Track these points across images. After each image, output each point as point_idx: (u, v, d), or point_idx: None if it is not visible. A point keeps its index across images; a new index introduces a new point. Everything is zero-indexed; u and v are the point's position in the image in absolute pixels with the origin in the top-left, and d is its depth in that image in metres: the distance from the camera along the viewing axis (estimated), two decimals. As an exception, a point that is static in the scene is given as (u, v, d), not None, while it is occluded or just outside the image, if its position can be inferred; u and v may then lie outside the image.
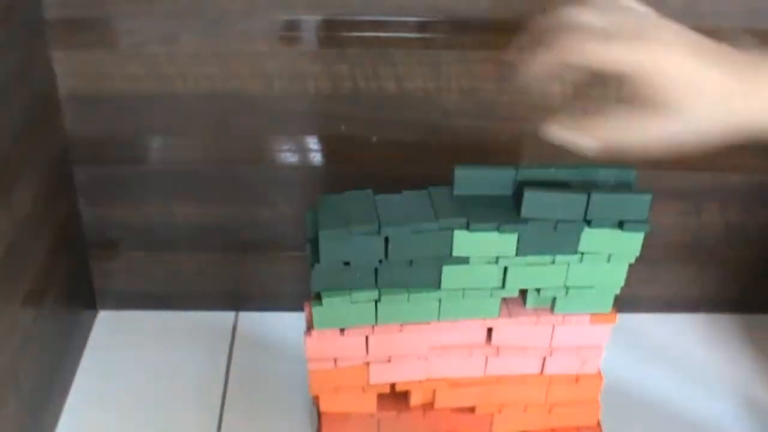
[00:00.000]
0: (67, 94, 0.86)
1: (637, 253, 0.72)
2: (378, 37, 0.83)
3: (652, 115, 0.54)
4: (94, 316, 1.02)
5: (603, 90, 0.57)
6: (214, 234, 0.97)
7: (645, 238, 0.71)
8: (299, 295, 0.79)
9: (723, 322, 1.05)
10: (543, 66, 0.56)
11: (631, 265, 0.73)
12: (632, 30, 0.54)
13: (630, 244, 0.71)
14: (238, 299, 1.03)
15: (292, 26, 0.83)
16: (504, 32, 0.81)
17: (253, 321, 1.02)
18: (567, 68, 0.56)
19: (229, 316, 1.03)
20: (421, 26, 0.83)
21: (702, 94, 0.53)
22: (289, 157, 0.92)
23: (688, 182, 0.95)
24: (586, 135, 0.56)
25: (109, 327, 1.01)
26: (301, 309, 0.76)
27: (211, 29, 0.83)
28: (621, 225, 0.70)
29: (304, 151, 0.91)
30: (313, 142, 0.90)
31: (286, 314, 1.00)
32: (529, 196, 0.67)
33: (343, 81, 0.86)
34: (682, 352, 1.00)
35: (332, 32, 0.83)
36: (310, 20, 0.83)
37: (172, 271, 1.00)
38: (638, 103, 0.54)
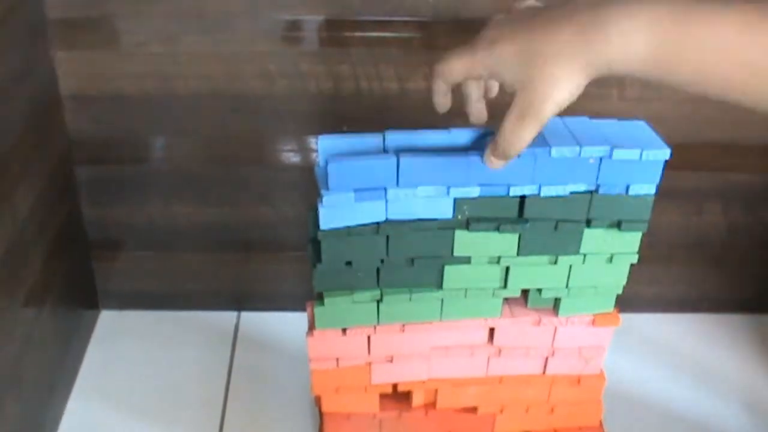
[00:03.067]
0: (69, 94, 0.86)
1: (637, 253, 0.72)
2: (380, 37, 0.83)
3: (533, 101, 0.56)
4: (97, 316, 1.02)
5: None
6: (216, 234, 0.97)
7: (647, 239, 0.71)
8: (301, 295, 0.79)
9: (726, 321, 1.05)
10: (437, 91, 0.63)
11: (633, 265, 0.73)
12: (474, 43, 0.59)
13: (628, 243, 0.71)
14: (240, 299, 1.03)
15: (294, 26, 0.83)
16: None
17: (255, 321, 1.02)
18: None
19: (231, 316, 1.03)
20: (423, 26, 0.83)
21: (556, 59, 0.54)
22: (291, 157, 0.92)
23: (690, 182, 0.95)
24: (491, 158, 0.62)
25: (112, 327, 1.01)
26: (303, 309, 0.76)
27: (213, 29, 0.83)
28: (619, 225, 0.69)
29: (306, 151, 0.91)
30: (314, 142, 0.90)
31: (288, 314, 1.01)
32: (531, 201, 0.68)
33: (345, 81, 0.86)
34: (684, 353, 1.00)
35: (334, 32, 0.83)
36: (311, 20, 0.83)
37: (174, 271, 1.01)
38: (518, 99, 0.57)
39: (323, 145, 0.65)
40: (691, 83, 0.51)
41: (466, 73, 0.60)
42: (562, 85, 0.55)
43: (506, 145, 0.59)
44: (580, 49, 0.53)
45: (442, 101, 0.64)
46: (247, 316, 1.03)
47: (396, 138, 0.66)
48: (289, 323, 0.99)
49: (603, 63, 0.53)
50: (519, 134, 0.58)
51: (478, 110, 0.66)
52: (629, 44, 0.51)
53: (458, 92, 0.86)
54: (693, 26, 0.50)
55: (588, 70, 0.54)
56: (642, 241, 0.71)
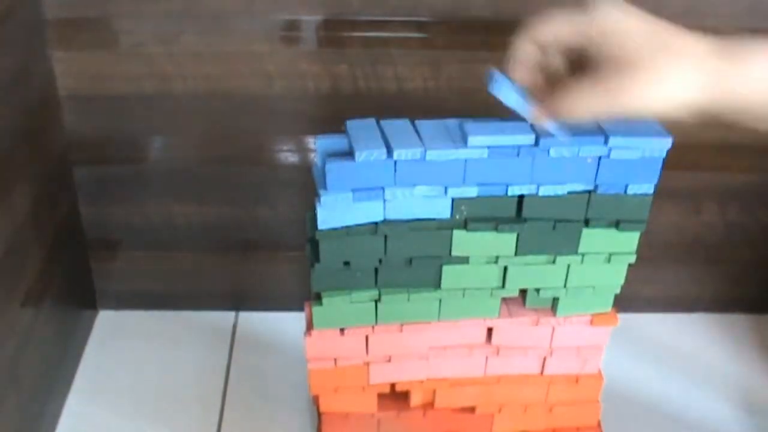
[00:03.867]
0: (67, 94, 0.86)
1: (635, 253, 0.72)
2: (378, 37, 0.83)
3: (627, 78, 0.52)
4: (95, 316, 1.02)
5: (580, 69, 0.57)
6: (214, 234, 0.97)
7: (644, 238, 0.71)
8: (299, 295, 0.79)
9: (723, 321, 1.05)
10: (517, 51, 0.58)
11: (631, 265, 0.73)
12: (590, 4, 0.55)
13: (626, 243, 0.71)
14: (238, 299, 1.03)
15: (292, 26, 0.83)
16: (503, 32, 0.82)
17: (254, 321, 1.02)
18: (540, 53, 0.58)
19: (229, 315, 1.03)
20: (421, 26, 0.83)
21: (679, 54, 0.52)
22: (289, 157, 0.92)
23: (688, 182, 0.95)
24: (551, 117, 0.58)
25: (110, 327, 1.01)
26: (301, 309, 0.76)
27: (211, 29, 0.83)
28: (617, 224, 0.69)
29: (304, 150, 0.91)
30: (313, 142, 0.90)
31: (286, 314, 1.00)
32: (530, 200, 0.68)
33: (343, 81, 0.86)
34: (682, 352, 1.00)
35: (332, 32, 0.83)
36: (310, 20, 0.83)
37: (172, 271, 1.01)
38: (609, 71, 0.53)
39: (321, 145, 0.65)
40: None
41: (569, 29, 0.55)
42: (669, 85, 0.52)
43: (568, 103, 0.55)
44: (707, 58, 0.52)
45: (520, 70, 0.58)
46: (245, 316, 1.03)
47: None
48: (287, 323, 0.99)
49: (728, 88, 0.51)
50: (585, 103, 0.54)
51: (520, 71, 0.59)
52: (759, 70, 0.51)
53: (455, 91, 0.86)
54: None
55: (708, 84, 0.52)
56: (640, 240, 0.71)
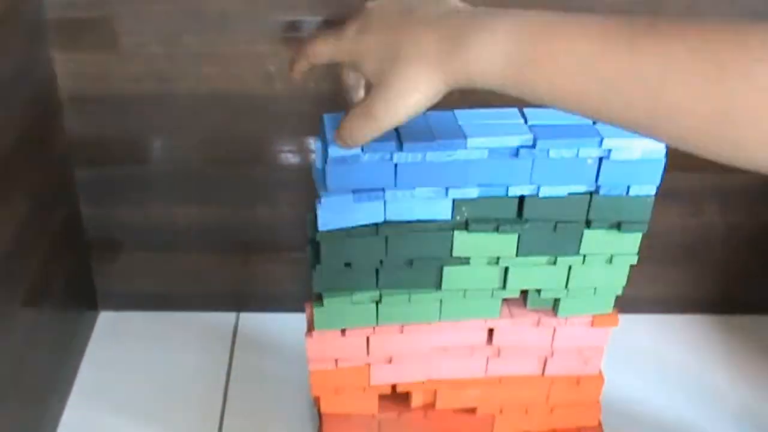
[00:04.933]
0: (68, 95, 0.86)
1: (636, 254, 0.72)
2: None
3: (386, 97, 0.55)
4: (96, 317, 1.02)
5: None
6: (215, 235, 0.97)
7: (645, 240, 0.71)
8: (300, 296, 0.79)
9: (725, 323, 1.05)
10: (298, 68, 0.63)
11: (632, 267, 0.73)
12: (341, 30, 0.58)
13: (628, 244, 0.71)
14: (239, 300, 1.03)
15: (294, 27, 0.83)
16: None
17: (255, 322, 1.02)
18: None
19: (230, 316, 1.03)
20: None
21: (411, 61, 0.54)
22: (291, 158, 0.92)
23: (689, 183, 0.95)
24: (337, 138, 0.61)
25: (111, 327, 1.01)
26: (302, 310, 0.76)
27: (212, 29, 0.83)
28: (619, 226, 0.69)
29: (305, 151, 0.91)
30: (314, 143, 0.90)
31: (287, 315, 1.00)
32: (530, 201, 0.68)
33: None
34: (683, 354, 1.00)
35: (334, 33, 0.83)
36: (311, 21, 0.83)
37: (173, 272, 1.01)
38: (373, 93, 0.56)
39: (329, 123, 0.65)
40: (549, 97, 0.51)
41: (330, 57, 0.60)
42: (419, 88, 0.54)
43: (347, 135, 0.59)
44: (441, 57, 0.53)
45: (298, 77, 0.64)
46: (246, 316, 1.03)
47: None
48: (288, 324, 0.98)
49: (463, 74, 0.53)
50: (362, 129, 0.58)
51: (357, 97, 0.66)
52: (488, 57, 0.51)
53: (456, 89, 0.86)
54: (551, 40, 0.49)
55: (447, 80, 0.53)
56: (641, 242, 0.71)
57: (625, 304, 0.78)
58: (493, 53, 0.51)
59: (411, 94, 0.54)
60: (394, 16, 0.56)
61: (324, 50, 0.60)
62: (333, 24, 0.82)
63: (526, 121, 0.67)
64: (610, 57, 0.47)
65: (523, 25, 0.51)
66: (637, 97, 0.47)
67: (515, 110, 0.68)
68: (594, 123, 0.66)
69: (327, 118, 0.66)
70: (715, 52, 0.44)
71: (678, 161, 0.91)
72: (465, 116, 0.67)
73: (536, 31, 0.50)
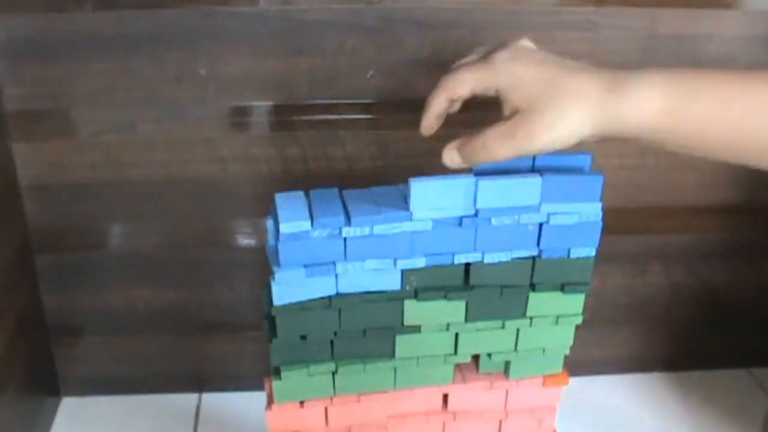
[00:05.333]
0: (28, 183, 0.89)
1: (581, 314, 0.74)
2: (327, 120, 0.87)
3: (528, 124, 0.59)
4: (58, 403, 1.02)
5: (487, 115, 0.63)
6: (174, 317, 0.99)
7: (593, 302, 0.74)
8: (261, 374, 0.80)
9: (675, 379, 1.07)
10: (434, 107, 0.65)
11: (580, 327, 0.76)
12: (492, 57, 0.61)
13: (572, 305, 0.74)
14: (201, 381, 1.04)
15: (244, 112, 0.86)
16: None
17: (217, 402, 1.03)
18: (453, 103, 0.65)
19: (192, 398, 1.04)
20: (368, 108, 0.87)
21: (571, 96, 0.58)
22: (246, 239, 0.94)
23: (632, 245, 0.99)
24: (455, 154, 0.64)
25: (73, 413, 1.01)
26: (263, 388, 0.77)
27: (166, 117, 0.86)
28: (563, 287, 0.72)
29: (260, 232, 0.94)
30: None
31: (249, 394, 1.02)
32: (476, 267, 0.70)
33: (295, 163, 0.89)
34: (637, 412, 1.02)
35: (282, 116, 0.87)
36: (260, 106, 0.86)
37: (134, 356, 1.01)
38: (515, 118, 0.60)
39: (281, 202, 0.68)
40: (693, 142, 0.57)
41: (476, 84, 0.61)
42: (569, 123, 0.58)
43: (478, 150, 0.61)
44: (597, 96, 0.57)
45: (434, 122, 0.65)
46: (208, 397, 1.04)
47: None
48: (250, 402, 0.99)
49: (616, 115, 0.57)
50: (498, 150, 0.60)
51: (433, 124, 0.66)
52: (643, 100, 0.57)
53: (404, 168, 0.89)
54: (699, 90, 0.57)
55: (598, 121, 0.58)
56: (588, 304, 0.74)
57: (578, 366, 0.80)
58: (648, 97, 0.57)
59: (560, 126, 0.58)
60: (541, 55, 0.60)
61: (470, 78, 0.61)
62: (282, 109, 0.86)
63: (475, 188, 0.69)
64: (750, 89, 0.56)
65: (675, 78, 0.57)
66: None
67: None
68: (538, 202, 0.69)
69: (278, 197, 0.69)
70: None
71: (621, 225, 0.96)
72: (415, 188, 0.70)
73: (687, 83, 0.57)
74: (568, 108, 0.58)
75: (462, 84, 0.62)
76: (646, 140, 0.58)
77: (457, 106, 0.66)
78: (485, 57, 0.62)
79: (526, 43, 0.63)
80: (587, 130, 0.58)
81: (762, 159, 0.58)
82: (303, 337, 0.71)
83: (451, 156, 0.64)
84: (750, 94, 0.56)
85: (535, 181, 0.67)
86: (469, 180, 0.66)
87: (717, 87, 0.57)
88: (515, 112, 0.60)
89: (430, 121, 0.66)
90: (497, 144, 0.60)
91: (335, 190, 0.70)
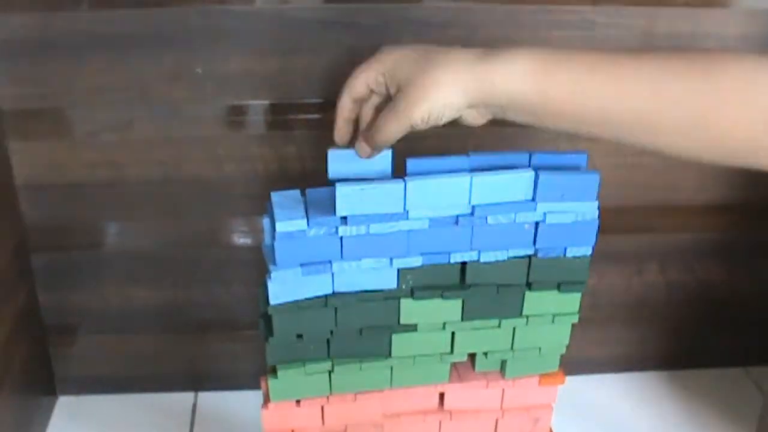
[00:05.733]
0: (24, 183, 0.89)
1: (577, 313, 0.74)
2: (323, 119, 0.87)
3: (409, 97, 0.61)
4: (54, 402, 1.02)
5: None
6: (171, 316, 0.99)
7: (590, 301, 0.74)
8: (257, 373, 0.80)
9: (671, 378, 1.08)
10: (341, 109, 0.68)
11: (576, 326, 0.76)
12: (377, 51, 0.65)
13: (569, 304, 0.74)
14: (197, 380, 1.04)
15: (240, 111, 0.86)
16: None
17: (213, 401, 1.03)
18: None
19: (188, 396, 1.04)
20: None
21: (442, 68, 0.60)
22: (242, 238, 0.94)
23: (629, 245, 0.99)
24: (362, 143, 0.67)
25: (70, 412, 1.01)
26: (259, 386, 0.77)
27: (162, 116, 0.86)
28: (559, 286, 0.72)
29: (256, 231, 0.94)
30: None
31: (245, 393, 1.02)
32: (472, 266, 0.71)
33: (291, 162, 0.89)
34: (633, 411, 1.02)
35: (279, 115, 0.87)
36: (257, 104, 0.86)
37: (130, 355, 1.01)
38: (396, 97, 0.63)
39: (277, 200, 0.68)
40: (563, 112, 0.59)
41: (367, 76, 0.65)
42: (441, 91, 0.60)
43: (374, 134, 0.64)
44: (467, 64, 0.60)
45: (345, 127, 0.68)
46: (204, 396, 1.04)
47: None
48: (246, 401, 1.00)
49: (487, 83, 0.59)
50: (387, 128, 0.63)
51: (344, 129, 0.69)
52: (511, 65, 0.59)
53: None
54: (568, 60, 0.59)
55: (470, 88, 0.60)
56: (585, 303, 0.74)
57: (574, 365, 0.80)
58: (515, 61, 0.59)
59: (433, 96, 0.60)
60: (420, 45, 0.63)
61: (363, 76, 0.65)
62: (278, 108, 0.86)
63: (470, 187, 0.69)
64: (618, 61, 0.59)
65: (542, 52, 0.60)
66: (638, 95, 0.58)
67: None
68: (533, 198, 0.69)
69: (275, 195, 0.69)
70: (706, 71, 0.57)
71: (617, 224, 0.96)
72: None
73: (554, 50, 0.60)
74: (441, 78, 0.60)
75: (357, 79, 0.65)
76: (518, 108, 0.60)
77: (367, 111, 0.68)
78: (371, 59, 0.65)
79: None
80: (461, 99, 0.61)
81: (631, 134, 0.60)
82: (299, 336, 0.71)
83: (360, 146, 0.67)
84: (616, 66, 0.58)
85: (528, 175, 0.68)
86: (464, 176, 0.67)
87: (584, 59, 0.59)
88: (396, 95, 0.63)
89: (340, 126, 0.69)
90: (386, 123, 0.63)
91: (332, 189, 0.70)
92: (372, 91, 0.66)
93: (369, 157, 0.67)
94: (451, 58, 0.61)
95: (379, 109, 0.67)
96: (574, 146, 0.89)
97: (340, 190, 0.65)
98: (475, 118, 0.64)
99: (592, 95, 0.58)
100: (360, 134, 0.67)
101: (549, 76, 0.59)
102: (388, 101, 0.65)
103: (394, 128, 0.63)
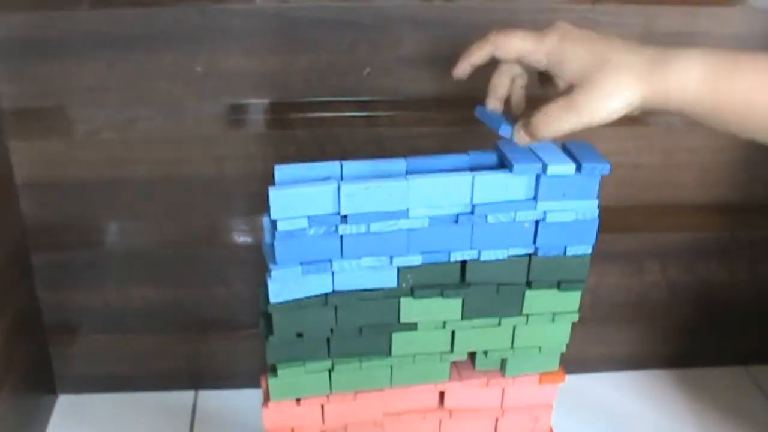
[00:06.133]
0: (24, 181, 0.88)
1: (577, 312, 0.74)
2: (323, 117, 0.87)
3: (591, 96, 0.61)
4: (54, 401, 1.02)
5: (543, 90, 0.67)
6: (171, 315, 0.99)
7: (590, 300, 0.74)
8: (258, 372, 0.80)
9: (671, 377, 1.07)
10: (475, 55, 0.67)
11: (576, 325, 0.76)
12: (543, 33, 0.65)
13: (569, 302, 0.74)
14: (197, 378, 1.04)
15: (240, 110, 0.86)
16: (443, 108, 0.86)
17: (213, 399, 1.03)
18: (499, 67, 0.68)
19: (188, 395, 1.04)
20: (365, 105, 0.87)
21: (620, 68, 0.61)
22: (242, 237, 0.94)
23: (629, 244, 0.98)
24: (522, 133, 0.66)
25: (70, 411, 1.01)
26: (259, 385, 0.77)
27: (163, 115, 0.86)
28: (559, 285, 0.72)
29: (256, 230, 0.93)
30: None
31: (245, 391, 1.02)
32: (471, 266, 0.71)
33: (291, 160, 0.89)
34: (633, 410, 1.02)
35: (279, 114, 0.87)
36: (257, 103, 0.86)
37: (131, 353, 1.01)
38: (570, 91, 0.63)
39: (274, 198, 0.67)
40: (732, 118, 0.60)
41: (523, 53, 0.65)
42: (621, 93, 0.61)
43: (542, 125, 0.64)
44: (647, 70, 0.60)
45: (468, 68, 0.68)
46: (204, 394, 1.04)
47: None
48: (246, 400, 1.00)
49: (662, 87, 0.60)
50: (559, 121, 0.63)
51: (466, 70, 0.68)
52: (686, 73, 0.60)
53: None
54: (740, 68, 0.60)
55: (646, 91, 0.60)
56: (585, 302, 0.74)
57: (574, 363, 0.80)
58: (691, 71, 0.59)
59: (615, 97, 0.61)
60: (592, 35, 0.63)
61: (520, 45, 0.65)
62: (278, 107, 0.86)
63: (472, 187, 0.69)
64: None
65: (715, 57, 0.60)
66: None
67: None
68: (534, 197, 0.69)
69: (273, 192, 0.69)
70: None
71: (618, 223, 0.96)
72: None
73: (728, 61, 0.60)
74: (621, 80, 0.60)
75: (511, 44, 0.65)
76: (689, 113, 0.61)
77: (518, 91, 0.69)
78: (536, 33, 0.65)
79: (567, 24, 0.65)
80: (637, 100, 0.61)
81: None
82: (299, 335, 0.72)
83: (518, 135, 0.66)
84: None
85: (530, 175, 0.68)
86: (466, 175, 0.67)
87: (757, 65, 0.59)
88: (571, 87, 0.63)
89: (464, 65, 0.67)
90: (559, 117, 0.63)
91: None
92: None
93: (525, 144, 0.67)
94: (628, 62, 0.61)
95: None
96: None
97: (345, 188, 0.65)
98: (636, 111, 0.64)
99: (763, 103, 0.59)
100: (522, 123, 0.66)
101: (723, 85, 0.59)
102: (541, 83, 0.66)
103: (569, 124, 0.62)
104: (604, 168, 0.68)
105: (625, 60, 0.61)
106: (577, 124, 0.62)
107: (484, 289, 0.72)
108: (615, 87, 0.60)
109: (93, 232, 0.93)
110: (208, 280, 0.97)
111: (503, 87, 0.69)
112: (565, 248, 0.71)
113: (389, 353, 0.74)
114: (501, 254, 0.71)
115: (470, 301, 0.72)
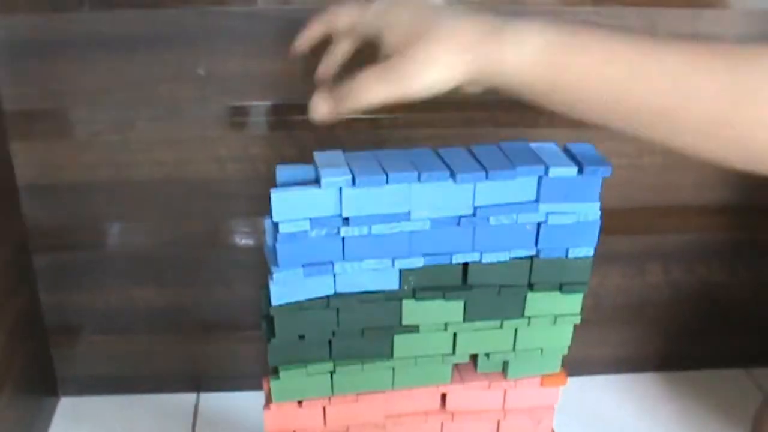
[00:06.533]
0: (25, 183, 0.89)
1: (579, 314, 0.74)
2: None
3: (405, 67, 0.57)
4: (56, 403, 1.02)
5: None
6: (173, 317, 0.99)
7: (592, 302, 0.74)
8: (260, 374, 0.80)
9: (673, 380, 1.07)
10: (313, 28, 0.66)
11: (578, 327, 0.76)
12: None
13: (571, 305, 0.74)
14: (199, 380, 1.04)
15: (242, 112, 0.86)
16: (445, 110, 0.86)
17: (215, 402, 1.03)
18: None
19: (190, 397, 1.04)
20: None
21: (444, 38, 0.56)
22: (244, 239, 0.94)
23: (631, 246, 0.99)
24: (322, 104, 0.63)
25: (71, 413, 1.01)
26: (261, 387, 0.77)
27: (164, 117, 0.86)
28: (561, 287, 0.72)
29: (258, 232, 0.94)
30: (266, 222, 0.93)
31: (247, 393, 1.01)
32: (473, 268, 0.70)
33: (292, 162, 0.89)
34: (635, 412, 1.02)
35: (281, 116, 0.87)
36: (259, 105, 0.86)
37: (132, 355, 1.01)
38: (389, 58, 0.59)
39: (276, 199, 0.67)
40: (570, 99, 0.55)
41: (352, 23, 0.63)
42: (438, 64, 0.56)
43: (352, 95, 0.60)
44: (473, 39, 0.56)
45: (305, 44, 0.68)
46: (206, 397, 1.04)
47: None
48: (248, 402, 0.99)
49: (493, 59, 0.56)
50: (369, 90, 0.59)
51: (303, 44, 0.68)
52: (520, 46, 0.55)
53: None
54: (583, 44, 0.54)
55: (471, 65, 0.56)
56: (587, 304, 0.74)
57: (576, 366, 0.80)
58: (528, 42, 0.55)
59: (430, 67, 0.56)
60: (423, 3, 0.59)
61: (348, 15, 0.63)
62: (280, 109, 0.86)
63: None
64: (638, 49, 0.53)
65: (552, 29, 0.55)
66: (658, 88, 0.53)
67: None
68: (536, 199, 0.69)
69: (274, 194, 0.69)
70: (732, 64, 0.51)
71: (619, 225, 0.96)
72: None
73: (569, 28, 0.55)
74: (441, 51, 0.56)
75: (345, 13, 0.64)
76: (528, 93, 0.57)
77: (340, 51, 0.68)
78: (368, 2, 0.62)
79: None
80: (460, 73, 0.57)
81: (649, 129, 0.55)
82: (301, 337, 0.72)
83: (317, 106, 0.63)
84: (636, 55, 0.53)
85: (531, 179, 0.68)
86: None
87: (603, 44, 0.54)
88: (389, 55, 0.59)
89: (303, 39, 0.68)
90: (369, 86, 0.59)
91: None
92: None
93: (328, 118, 0.63)
94: (456, 29, 0.56)
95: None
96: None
97: (347, 191, 0.65)
98: (475, 88, 0.60)
99: (607, 85, 0.54)
100: (325, 93, 0.63)
101: (563, 59, 0.54)
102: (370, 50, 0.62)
103: (377, 94, 0.58)
104: (606, 170, 0.68)
105: (448, 29, 0.56)
106: (391, 94, 0.58)
107: (486, 291, 0.72)
108: (429, 56, 0.56)
109: (95, 234, 0.93)
110: (210, 282, 0.97)
111: (317, 29, 0.67)
112: (567, 250, 0.71)
113: (391, 355, 0.74)
114: (503, 256, 0.70)
115: (472, 303, 0.72)
